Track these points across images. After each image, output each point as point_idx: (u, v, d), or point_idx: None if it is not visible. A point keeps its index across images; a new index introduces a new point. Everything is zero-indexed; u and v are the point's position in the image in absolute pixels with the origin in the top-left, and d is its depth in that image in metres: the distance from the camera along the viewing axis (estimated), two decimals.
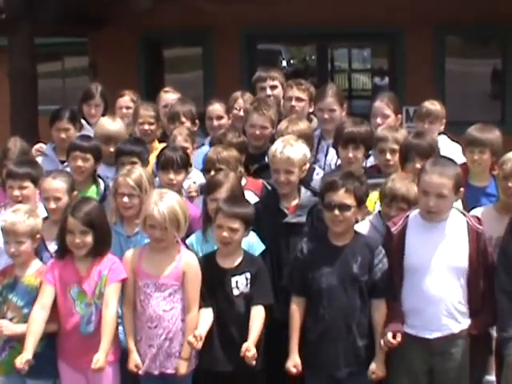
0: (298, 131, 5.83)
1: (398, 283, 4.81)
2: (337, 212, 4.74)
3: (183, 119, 6.69)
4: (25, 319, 4.78)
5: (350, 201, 4.76)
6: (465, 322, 4.78)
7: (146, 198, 4.93)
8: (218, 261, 4.91)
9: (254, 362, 4.67)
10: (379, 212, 5.19)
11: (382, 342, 4.72)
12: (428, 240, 4.76)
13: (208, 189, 5.23)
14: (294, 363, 4.83)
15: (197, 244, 5.14)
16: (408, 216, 4.85)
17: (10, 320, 4.82)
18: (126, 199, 5.17)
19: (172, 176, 5.59)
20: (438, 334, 4.74)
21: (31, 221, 4.88)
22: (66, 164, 6.43)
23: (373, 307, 4.81)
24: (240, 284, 4.85)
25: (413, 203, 5.00)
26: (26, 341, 4.63)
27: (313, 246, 4.89)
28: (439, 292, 4.71)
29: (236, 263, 4.89)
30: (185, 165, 5.70)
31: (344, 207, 4.74)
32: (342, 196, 4.75)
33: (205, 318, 4.82)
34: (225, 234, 4.80)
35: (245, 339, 4.72)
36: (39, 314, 4.71)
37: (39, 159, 6.58)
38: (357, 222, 4.98)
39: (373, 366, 4.77)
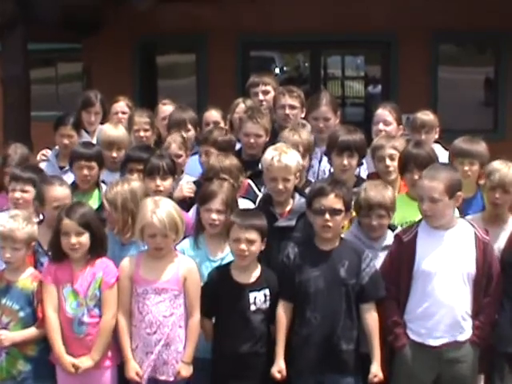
0: (306, 140, 5.86)
1: (404, 292, 4.85)
2: (327, 216, 4.78)
3: (189, 126, 6.69)
4: (22, 322, 4.83)
5: (339, 205, 4.82)
6: (468, 331, 4.82)
7: (141, 207, 4.89)
8: (233, 275, 4.87)
9: None
10: (359, 222, 5.20)
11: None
12: (437, 246, 4.81)
13: (202, 199, 5.20)
14: (278, 368, 4.83)
15: (188, 250, 5.12)
16: (418, 225, 4.89)
17: (7, 324, 4.82)
18: (105, 214, 5.17)
19: (158, 182, 5.57)
20: (443, 341, 4.78)
21: (29, 228, 4.89)
22: (64, 170, 6.45)
23: (363, 311, 4.84)
24: (258, 300, 4.83)
25: (390, 209, 5.07)
26: (54, 347, 4.75)
27: (299, 251, 4.90)
28: (447, 297, 4.76)
29: (254, 278, 4.86)
30: (172, 171, 5.67)
31: (334, 212, 4.80)
32: (333, 201, 4.81)
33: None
34: (242, 246, 4.76)
35: (258, 355, 4.82)
36: (54, 316, 4.77)
37: (43, 164, 6.66)
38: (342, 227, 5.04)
39: (374, 369, 4.77)
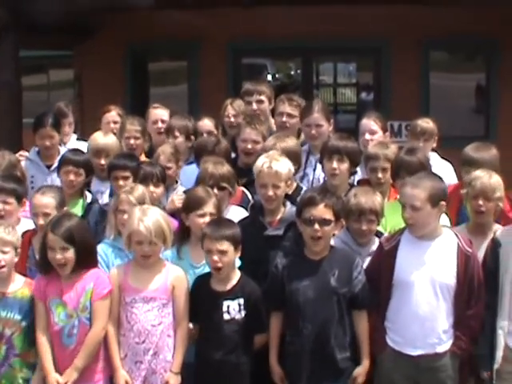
0: (285, 148, 5.79)
1: (385, 299, 4.85)
2: (317, 227, 4.77)
3: (177, 133, 6.66)
4: (24, 331, 4.79)
5: (329, 215, 4.81)
6: (448, 342, 4.80)
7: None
8: (211, 282, 4.87)
9: None
10: (347, 229, 5.20)
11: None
12: (417, 256, 4.79)
13: (192, 205, 5.19)
14: (279, 376, 4.86)
15: (171, 260, 5.09)
16: (401, 233, 4.89)
17: (11, 336, 4.78)
18: (126, 216, 5.11)
19: (152, 188, 5.60)
20: (420, 352, 4.77)
21: (15, 232, 4.86)
22: (52, 169, 6.45)
23: (355, 318, 4.84)
24: (232, 309, 4.81)
25: (379, 214, 5.11)
26: (44, 364, 4.72)
27: (288, 261, 4.90)
28: (425, 308, 4.74)
29: (229, 287, 4.85)
30: (163, 179, 5.73)
31: (324, 222, 4.79)
32: (322, 211, 4.80)
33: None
34: (215, 257, 4.75)
35: (233, 365, 4.79)
36: (44, 337, 4.74)
37: (23, 164, 6.59)
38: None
39: (355, 372, 4.81)
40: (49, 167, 6.62)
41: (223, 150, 6.11)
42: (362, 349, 4.83)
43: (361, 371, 4.82)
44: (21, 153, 6.93)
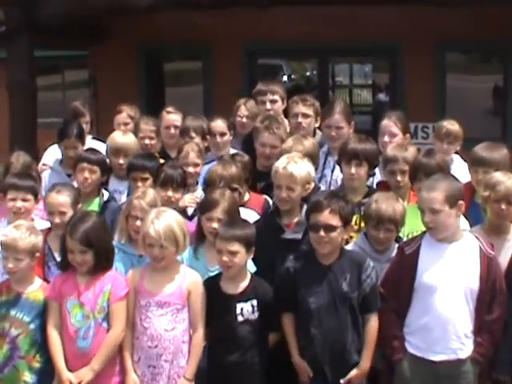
0: (303, 150, 5.73)
1: (405, 305, 4.79)
2: (322, 233, 4.71)
3: (193, 134, 6.60)
4: (31, 334, 4.78)
5: (335, 221, 4.74)
6: (470, 348, 4.74)
7: (145, 216, 4.87)
8: (221, 286, 4.83)
9: None
10: (365, 234, 5.15)
11: None
12: (440, 260, 4.74)
13: (204, 207, 5.17)
14: (305, 369, 4.80)
15: (187, 261, 5.07)
16: (422, 237, 4.83)
17: (16, 337, 4.76)
18: (138, 223, 5.09)
19: (171, 193, 5.56)
20: (443, 357, 4.71)
21: (32, 238, 4.83)
22: (73, 177, 6.45)
23: (364, 321, 4.79)
24: (245, 311, 4.78)
25: (399, 223, 5.02)
26: (56, 363, 4.70)
27: (299, 265, 4.85)
28: (448, 313, 4.69)
29: (241, 289, 4.81)
30: (184, 183, 5.68)
31: (329, 228, 4.72)
32: (327, 217, 4.73)
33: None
34: (225, 258, 4.72)
35: (248, 365, 4.76)
36: (55, 333, 4.74)
37: (46, 173, 6.68)
38: (347, 242, 4.99)
39: (351, 373, 4.75)
40: (70, 176, 6.62)
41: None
42: (365, 353, 4.77)
43: (355, 373, 4.76)
44: (43, 162, 6.98)
